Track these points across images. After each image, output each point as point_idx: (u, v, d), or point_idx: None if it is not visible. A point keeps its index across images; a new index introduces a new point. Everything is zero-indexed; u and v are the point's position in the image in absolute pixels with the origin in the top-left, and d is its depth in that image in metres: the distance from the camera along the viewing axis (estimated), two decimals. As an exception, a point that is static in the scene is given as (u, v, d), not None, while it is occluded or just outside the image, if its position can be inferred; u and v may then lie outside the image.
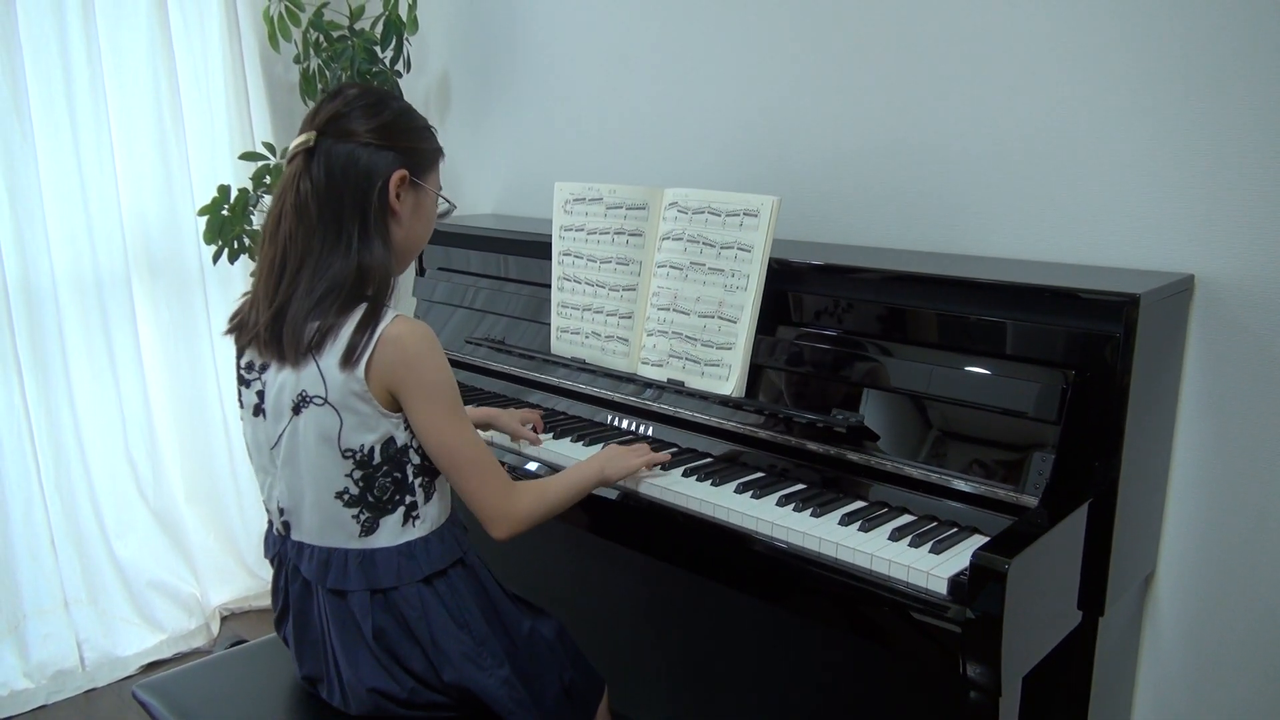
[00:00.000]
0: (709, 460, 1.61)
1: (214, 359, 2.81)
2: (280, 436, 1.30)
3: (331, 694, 1.36)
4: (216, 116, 2.71)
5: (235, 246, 2.56)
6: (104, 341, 2.58)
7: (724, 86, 2.05)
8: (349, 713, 1.34)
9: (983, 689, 1.15)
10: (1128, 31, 1.49)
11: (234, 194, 2.52)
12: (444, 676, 1.32)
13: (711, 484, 1.50)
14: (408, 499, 1.31)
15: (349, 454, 1.27)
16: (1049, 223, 1.62)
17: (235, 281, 2.80)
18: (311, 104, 2.61)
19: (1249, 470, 1.46)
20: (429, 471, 1.33)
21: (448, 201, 1.42)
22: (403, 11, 2.53)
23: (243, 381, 1.35)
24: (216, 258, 2.56)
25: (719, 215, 1.63)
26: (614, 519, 1.55)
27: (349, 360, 1.22)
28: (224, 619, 2.81)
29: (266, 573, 2.85)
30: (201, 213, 2.51)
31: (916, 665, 1.52)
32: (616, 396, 1.78)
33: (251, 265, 2.59)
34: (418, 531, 1.33)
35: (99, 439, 2.61)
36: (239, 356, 1.36)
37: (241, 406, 1.37)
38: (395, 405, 1.27)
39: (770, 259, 1.58)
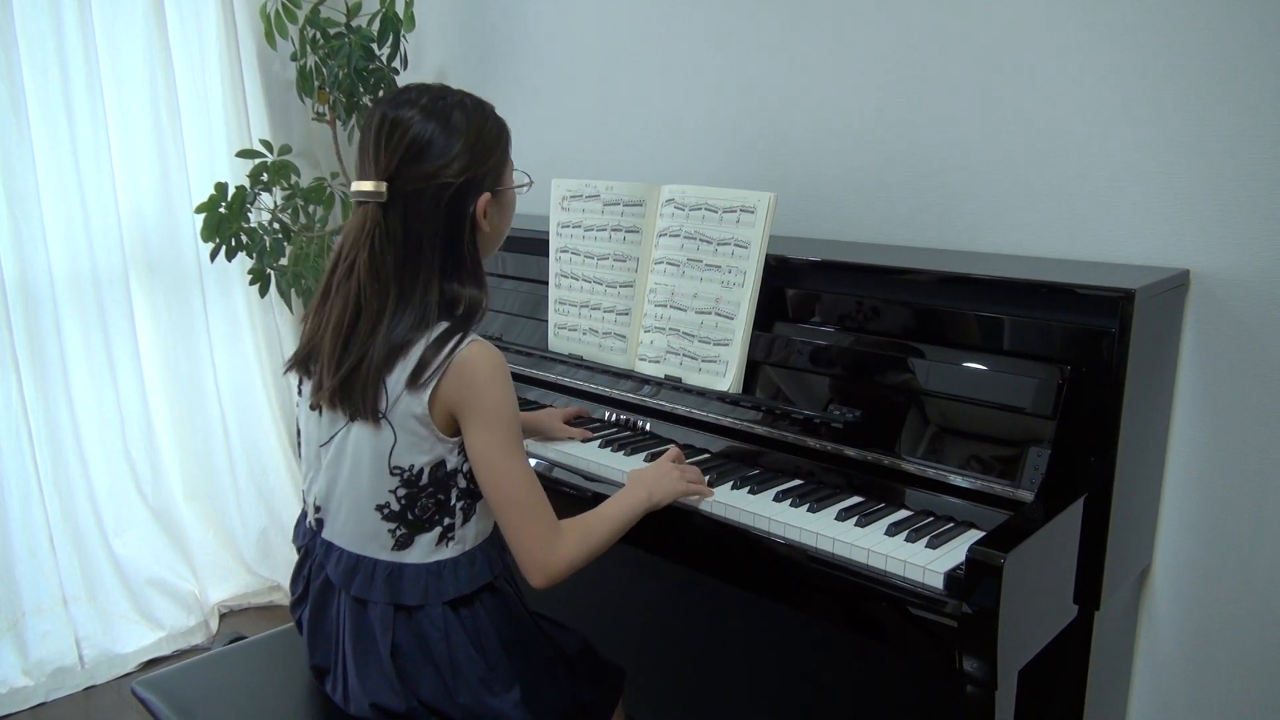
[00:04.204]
0: (706, 456, 1.62)
1: (212, 356, 2.81)
2: (332, 438, 1.29)
3: (335, 690, 1.36)
4: (213, 114, 2.71)
5: (233, 244, 2.56)
6: (102, 339, 2.58)
7: (721, 84, 2.05)
8: (348, 711, 1.34)
9: (979, 683, 1.15)
10: (1123, 28, 1.50)
11: (231, 191, 2.52)
12: (459, 699, 1.29)
13: (708, 480, 1.50)
14: (446, 520, 1.29)
15: (397, 472, 1.25)
16: (1045, 218, 1.63)
17: (233, 279, 2.81)
18: (309, 101, 2.65)
19: (1244, 464, 1.47)
20: (472, 495, 1.31)
21: (526, 176, 1.38)
22: (399, 8, 2.53)
23: (306, 371, 1.34)
24: (214, 255, 2.56)
25: (716, 212, 1.63)
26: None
27: (416, 380, 1.20)
28: (223, 616, 2.81)
29: (265, 569, 2.88)
30: (199, 210, 2.51)
31: (914, 660, 1.53)
32: (614, 393, 1.78)
33: (249, 263, 2.61)
34: (449, 552, 1.30)
35: (97, 437, 2.61)
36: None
37: (299, 395, 1.36)
38: (455, 429, 1.25)
39: (767, 255, 1.58)
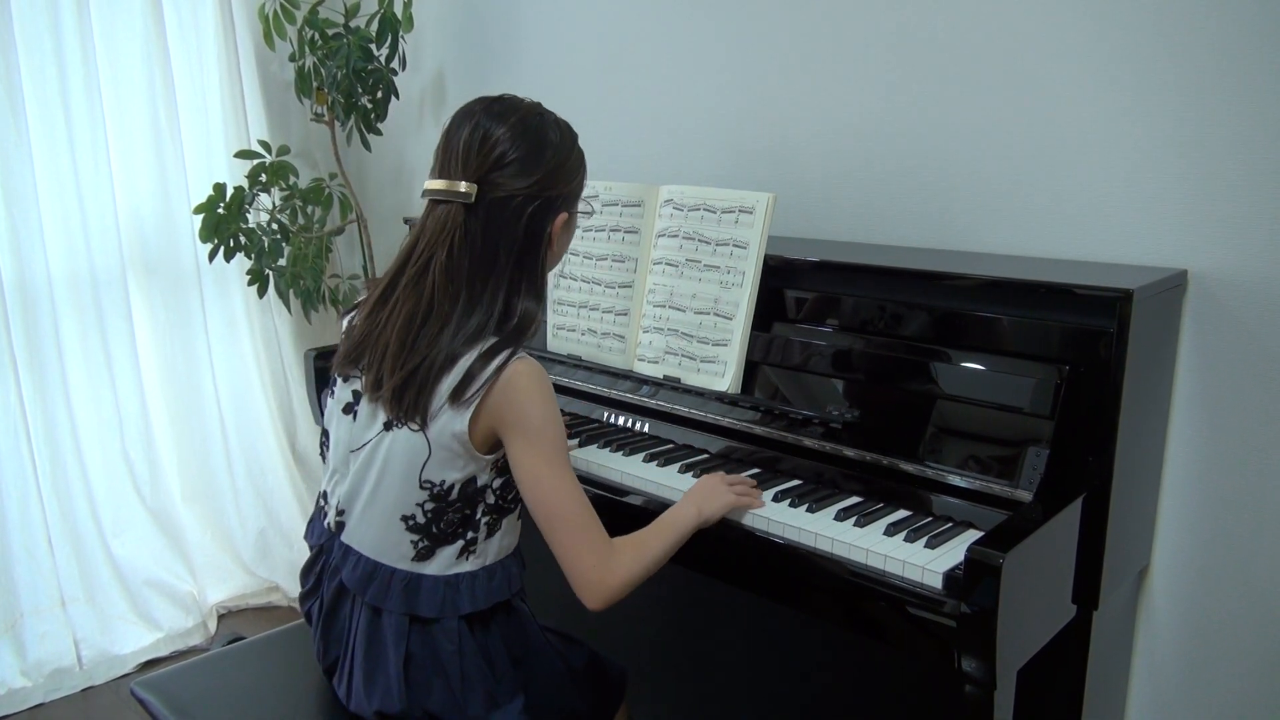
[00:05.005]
0: (705, 457, 1.62)
1: (210, 357, 2.81)
2: (364, 445, 1.27)
3: (339, 683, 1.36)
4: (212, 114, 2.71)
5: (231, 245, 2.56)
6: (100, 340, 2.58)
7: (721, 84, 2.05)
8: (349, 708, 1.34)
9: (978, 683, 1.15)
10: (1123, 29, 1.50)
11: (230, 192, 2.52)
12: (467, 711, 1.28)
13: (708, 480, 1.50)
14: (469, 534, 1.28)
15: (427, 485, 1.24)
16: (1044, 218, 1.63)
17: (231, 280, 2.81)
18: (308, 102, 2.65)
19: (1242, 464, 1.47)
20: (499, 510, 1.29)
21: (588, 204, 1.40)
22: (398, 9, 2.53)
23: (343, 375, 1.32)
24: (212, 256, 2.56)
25: (714, 212, 1.63)
26: (608, 515, 1.55)
27: (459, 397, 1.19)
28: (221, 617, 2.81)
29: (263, 570, 2.88)
30: (197, 211, 2.51)
31: (914, 661, 1.53)
32: (613, 393, 1.78)
33: (248, 264, 2.61)
34: (469, 566, 1.29)
35: (95, 437, 2.61)
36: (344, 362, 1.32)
37: (331, 397, 1.35)
38: (492, 446, 1.24)
39: (765, 256, 1.58)
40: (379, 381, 1.23)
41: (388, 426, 1.25)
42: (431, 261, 1.23)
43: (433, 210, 1.25)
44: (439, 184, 1.24)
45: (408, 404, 1.21)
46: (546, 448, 1.21)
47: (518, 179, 1.23)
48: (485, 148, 1.23)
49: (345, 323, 1.37)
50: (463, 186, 1.22)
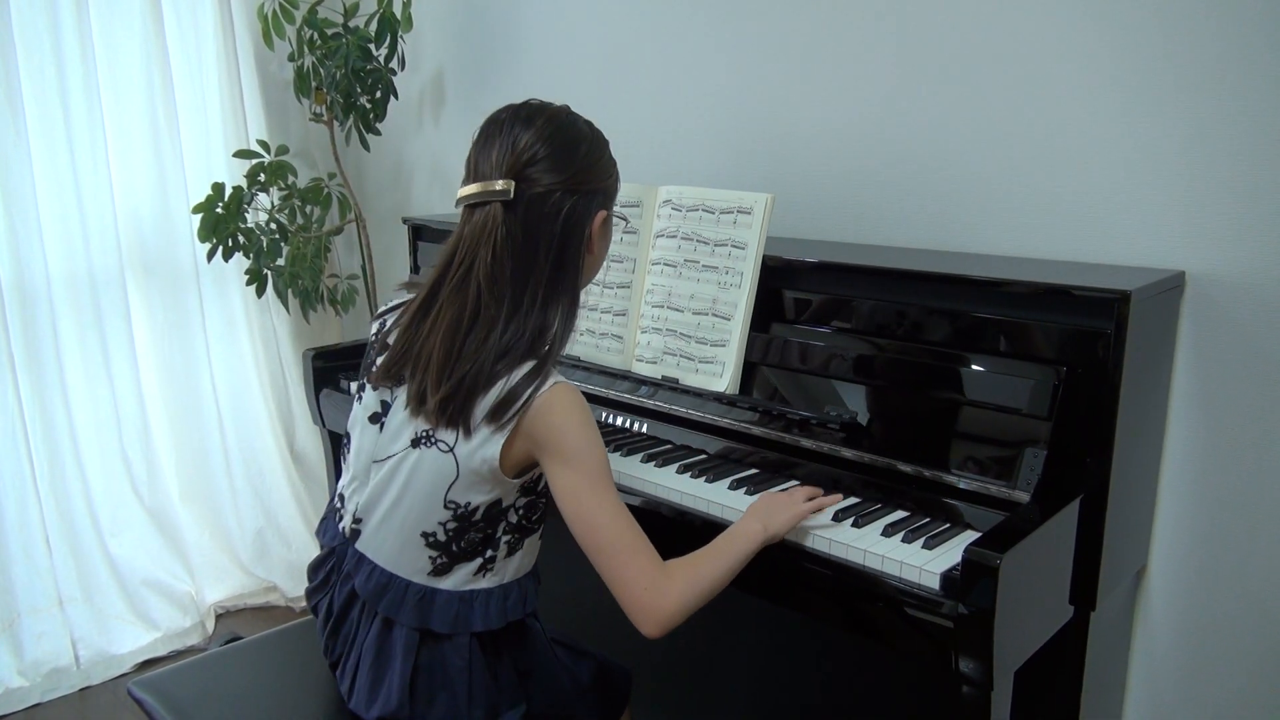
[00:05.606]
0: (703, 457, 1.62)
1: (208, 356, 2.81)
2: (389, 458, 1.26)
3: (341, 681, 1.35)
4: (210, 114, 2.71)
5: (230, 244, 2.56)
6: (98, 339, 2.58)
7: (721, 84, 2.05)
8: (349, 706, 1.34)
9: (975, 684, 1.15)
10: (1122, 30, 1.50)
11: (228, 192, 2.52)
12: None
13: (706, 480, 1.50)
14: (489, 552, 1.26)
15: (451, 505, 1.22)
16: (1042, 219, 1.63)
17: (230, 279, 2.80)
18: (306, 101, 2.65)
19: (1239, 464, 1.47)
20: (521, 530, 1.28)
21: (625, 216, 1.38)
22: (397, 9, 2.53)
23: (374, 385, 1.31)
24: (211, 256, 2.56)
25: (713, 212, 1.63)
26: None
27: (494, 420, 1.17)
28: (219, 617, 2.81)
29: (261, 570, 2.88)
30: (196, 210, 2.51)
31: (911, 662, 1.53)
32: (611, 394, 1.78)
33: (246, 263, 2.61)
34: (485, 583, 1.27)
35: (93, 437, 2.61)
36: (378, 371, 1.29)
37: (358, 401, 1.33)
38: (521, 470, 1.22)
39: (764, 256, 1.58)
40: (423, 394, 1.21)
41: (415, 444, 1.23)
42: (474, 265, 1.20)
43: (470, 217, 1.23)
44: (474, 187, 1.22)
45: (451, 413, 1.19)
46: (588, 472, 1.18)
47: (552, 173, 1.21)
48: (518, 148, 1.21)
49: (375, 326, 1.35)
50: (499, 184, 1.20)
